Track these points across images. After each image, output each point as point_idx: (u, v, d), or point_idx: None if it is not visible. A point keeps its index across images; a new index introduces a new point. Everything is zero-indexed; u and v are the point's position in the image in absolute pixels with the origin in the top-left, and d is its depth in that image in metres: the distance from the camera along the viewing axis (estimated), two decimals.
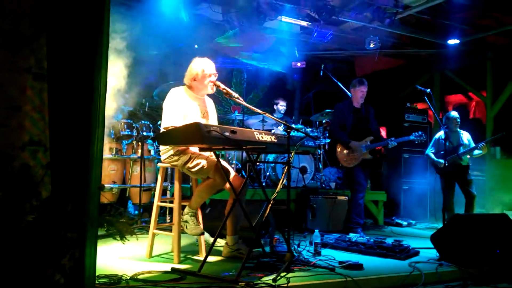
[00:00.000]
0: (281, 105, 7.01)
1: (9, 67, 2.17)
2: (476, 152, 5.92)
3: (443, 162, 5.38)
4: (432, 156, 6.11)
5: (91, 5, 2.21)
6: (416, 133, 5.16)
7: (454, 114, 6.10)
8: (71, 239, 1.91)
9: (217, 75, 3.68)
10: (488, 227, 3.76)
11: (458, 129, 6.11)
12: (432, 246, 3.96)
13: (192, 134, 2.87)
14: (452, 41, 7.11)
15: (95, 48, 2.20)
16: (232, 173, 3.57)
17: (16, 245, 1.73)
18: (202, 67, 3.62)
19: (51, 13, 2.19)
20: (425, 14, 6.41)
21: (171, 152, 3.49)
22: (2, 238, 1.69)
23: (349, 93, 5.56)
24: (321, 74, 6.88)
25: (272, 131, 6.10)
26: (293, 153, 3.27)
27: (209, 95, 3.83)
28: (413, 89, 4.78)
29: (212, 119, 3.79)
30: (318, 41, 7.12)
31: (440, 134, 6.16)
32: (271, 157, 6.09)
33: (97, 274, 2.32)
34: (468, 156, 5.96)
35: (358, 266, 3.37)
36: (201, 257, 3.59)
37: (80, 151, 2.14)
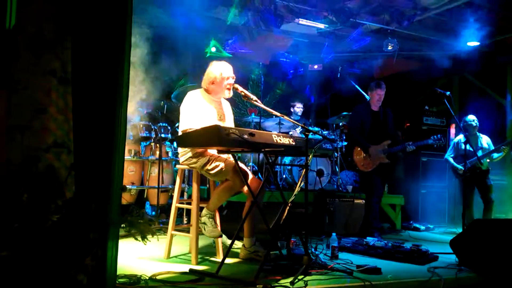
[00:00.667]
0: (298, 107, 7.00)
1: (33, 70, 2.22)
2: (496, 155, 5.83)
3: (462, 168, 5.31)
4: (452, 161, 6.03)
5: (114, 9, 2.25)
6: (435, 136, 5.09)
7: (472, 117, 6.02)
8: (94, 239, 1.95)
9: (235, 78, 3.70)
10: (508, 232, 3.69)
11: (477, 133, 6.02)
12: (451, 251, 3.90)
13: (211, 136, 2.89)
14: (472, 43, 7.01)
15: (118, 52, 2.24)
16: (250, 175, 3.58)
17: (42, 244, 1.77)
18: (220, 71, 3.64)
19: (76, 17, 2.24)
20: (444, 16, 6.34)
21: (190, 154, 3.52)
22: (28, 237, 1.73)
23: (367, 96, 5.53)
24: (338, 76, 6.86)
25: (290, 133, 6.11)
26: (311, 156, 3.27)
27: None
28: (432, 91, 4.72)
29: (229, 122, 3.81)
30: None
31: (459, 138, 6.09)
32: (287, 160, 6.09)
33: (117, 274, 2.35)
34: (488, 160, 5.87)
35: (376, 270, 3.34)
36: (218, 259, 3.60)
37: (102, 153, 2.18)
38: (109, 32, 2.23)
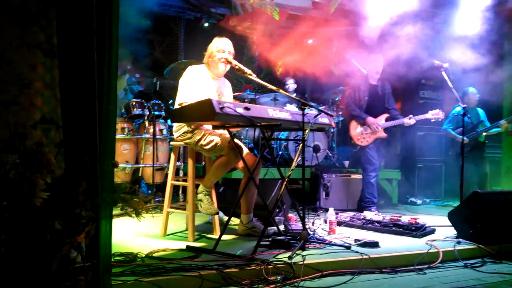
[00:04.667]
0: (290, 83, 6.91)
1: (18, 44, 2.12)
2: (495, 129, 5.81)
3: (465, 138, 5.26)
4: (452, 131, 5.98)
5: None
6: (433, 110, 5.03)
7: (473, 90, 5.95)
8: (86, 217, 1.89)
9: (231, 53, 3.61)
10: (506, 204, 3.68)
11: (475, 106, 5.98)
12: (447, 224, 3.90)
13: (206, 110, 2.82)
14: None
15: (106, 23, 2.14)
16: (245, 150, 3.53)
17: (32, 223, 1.72)
18: (216, 44, 3.61)
19: None
20: None
21: (185, 129, 3.46)
22: (18, 216, 1.68)
23: (363, 70, 5.44)
24: (334, 50, 6.74)
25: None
26: (307, 130, 3.21)
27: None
28: (429, 63, 4.63)
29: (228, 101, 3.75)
30: None
31: (458, 110, 6.04)
32: (283, 135, 6.03)
33: (112, 252, 2.32)
34: (485, 134, 5.85)
35: (374, 244, 3.33)
36: (215, 236, 3.58)
37: (92, 129, 2.10)
38: (96, 2, 2.12)
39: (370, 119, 5.05)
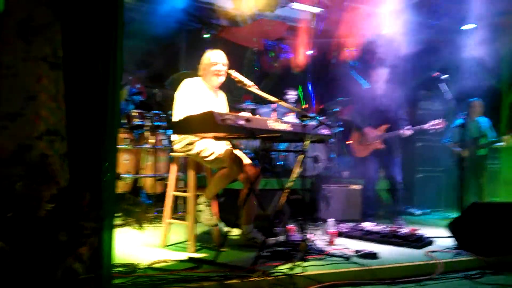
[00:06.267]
0: (291, 95, 6.94)
1: (24, 56, 2.16)
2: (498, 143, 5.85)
3: (461, 149, 5.29)
4: (450, 145, 6.02)
5: None
6: (432, 121, 5.06)
7: (479, 100, 5.98)
8: (89, 229, 1.91)
9: (226, 65, 3.65)
10: (506, 215, 3.70)
11: (479, 117, 6.00)
12: (447, 235, 3.91)
13: (207, 122, 2.84)
14: (467, 27, 6.92)
15: (110, 36, 2.18)
16: (246, 161, 3.55)
17: (36, 233, 1.74)
18: (209, 56, 3.64)
19: (66, 0, 2.17)
20: None
21: (186, 141, 3.48)
22: (23, 227, 1.70)
23: (362, 82, 5.49)
24: (334, 61, 6.80)
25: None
26: (308, 142, 3.24)
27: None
28: (429, 75, 4.67)
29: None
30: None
31: (458, 121, 6.08)
32: (282, 146, 6.05)
33: (114, 262, 2.33)
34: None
35: (373, 255, 3.34)
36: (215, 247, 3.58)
37: (96, 141, 2.13)
38: (100, 14, 2.16)
39: (366, 130, 5.08)
